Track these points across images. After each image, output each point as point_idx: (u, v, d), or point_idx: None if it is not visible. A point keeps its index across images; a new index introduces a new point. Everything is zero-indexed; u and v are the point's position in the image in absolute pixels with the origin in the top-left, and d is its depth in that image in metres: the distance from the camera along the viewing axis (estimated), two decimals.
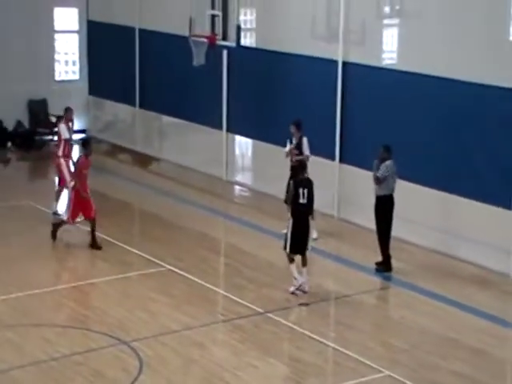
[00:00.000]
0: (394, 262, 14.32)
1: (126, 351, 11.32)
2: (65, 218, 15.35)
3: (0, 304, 12.80)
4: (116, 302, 13.33)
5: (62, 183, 16.81)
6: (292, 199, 13.27)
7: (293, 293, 13.18)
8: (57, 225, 15.36)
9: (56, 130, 21.98)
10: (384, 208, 14.12)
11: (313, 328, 12.13)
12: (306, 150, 15.74)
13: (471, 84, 14.40)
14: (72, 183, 15.09)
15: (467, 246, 14.71)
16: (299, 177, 13.55)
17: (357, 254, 14.84)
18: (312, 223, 13.95)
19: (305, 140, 15.79)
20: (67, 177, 16.44)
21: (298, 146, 15.65)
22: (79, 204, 14.95)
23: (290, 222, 13.25)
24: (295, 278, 13.19)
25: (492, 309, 12.91)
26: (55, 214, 16.84)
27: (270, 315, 12.60)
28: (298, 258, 13.35)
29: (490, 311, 12.83)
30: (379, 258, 14.31)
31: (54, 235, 15.29)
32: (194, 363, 11.19)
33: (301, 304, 12.97)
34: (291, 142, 15.69)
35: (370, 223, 14.59)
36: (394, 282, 14.09)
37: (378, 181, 13.97)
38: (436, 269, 14.53)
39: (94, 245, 15.00)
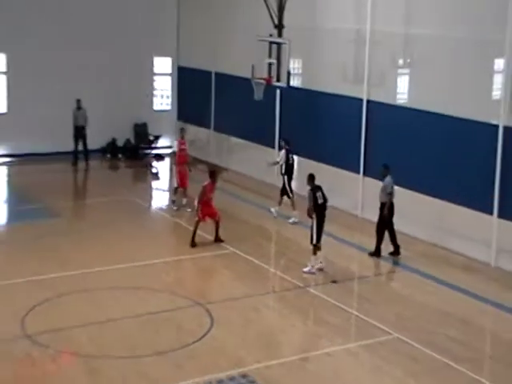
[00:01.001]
0: (402, 251, 14.13)
1: (201, 311, 11.37)
2: (196, 217, 14.49)
3: (113, 272, 12.89)
4: (195, 274, 13.42)
5: (180, 185, 17.01)
6: (313, 203, 13.04)
7: (307, 272, 12.99)
8: (195, 228, 14.40)
9: (153, 145, 22.50)
10: (391, 212, 13.95)
11: (340, 300, 12.02)
12: (277, 158, 16.87)
13: (462, 119, 14.21)
14: (195, 202, 14.51)
15: (457, 240, 14.42)
16: (312, 185, 13.28)
17: (374, 245, 14.62)
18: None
19: (281, 152, 16.68)
20: (177, 179, 16.98)
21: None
22: (205, 209, 14.36)
23: (314, 220, 13.00)
24: (313, 265, 13.03)
25: (477, 289, 12.64)
26: (173, 201, 16.99)
27: (308, 289, 12.54)
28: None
29: (475, 291, 12.57)
30: (391, 248, 14.13)
31: (193, 239, 14.36)
32: (252, 322, 11.22)
33: (332, 281, 12.82)
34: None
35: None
36: (402, 267, 13.88)
37: (391, 195, 13.91)
38: (433, 257, 14.27)
39: (218, 238, 14.54)
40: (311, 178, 13.38)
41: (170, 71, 23.49)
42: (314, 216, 13.07)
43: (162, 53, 23.11)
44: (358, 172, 16.73)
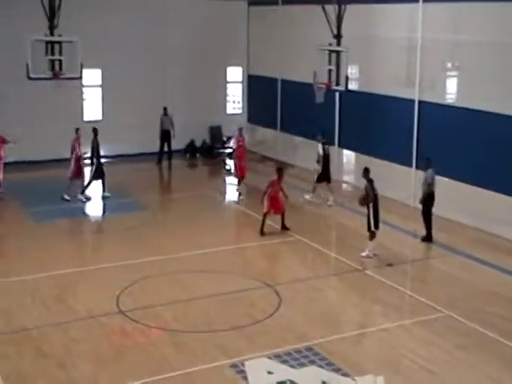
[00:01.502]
0: (452, 237, 13.79)
1: (270, 291, 11.41)
2: (264, 209, 14.33)
3: (193, 257, 12.98)
4: (265, 258, 13.37)
5: (240, 175, 17.46)
6: (371, 193, 12.82)
7: (365, 256, 12.81)
8: (263, 219, 14.24)
9: (227, 145, 22.67)
10: (431, 200, 13.74)
11: (395, 281, 11.88)
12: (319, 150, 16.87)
13: (505, 116, 13.91)
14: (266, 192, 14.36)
15: (503, 226, 13.99)
16: (369, 177, 13.03)
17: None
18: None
19: (319, 144, 16.85)
20: (237, 171, 17.50)
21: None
22: (272, 203, 14.29)
23: (371, 209, 12.78)
24: (370, 250, 12.88)
25: None
26: (240, 194, 17.39)
27: (366, 271, 12.44)
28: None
29: None
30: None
31: (262, 229, 14.17)
32: (315, 301, 11.20)
33: (388, 264, 12.69)
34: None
35: (437, 211, 14.18)
36: (452, 251, 13.55)
37: (431, 186, 13.74)
38: (481, 242, 13.91)
39: (284, 227, 14.39)
40: (367, 171, 13.22)
41: (240, 79, 23.60)
42: (370, 205, 12.88)
43: (234, 63, 23.21)
44: (411, 166, 16.45)
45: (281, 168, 14.90)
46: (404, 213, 15.72)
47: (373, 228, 12.93)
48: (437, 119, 15.81)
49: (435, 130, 15.83)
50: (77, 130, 16.78)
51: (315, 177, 16.86)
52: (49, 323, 10.16)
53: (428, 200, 13.77)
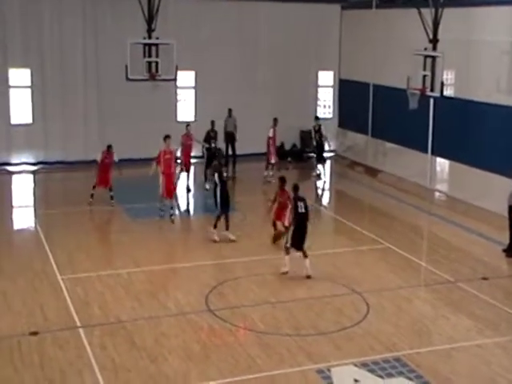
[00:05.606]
0: None
1: (358, 298, 11.28)
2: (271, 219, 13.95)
3: (279, 260, 12.57)
4: (352, 264, 13.13)
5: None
6: (294, 210, 12.05)
7: (285, 273, 12.00)
8: (274, 229, 13.76)
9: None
10: None
11: (491, 295, 11.43)
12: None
13: None
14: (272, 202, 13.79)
15: None
16: (295, 194, 12.27)
17: None
18: None
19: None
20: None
21: None
22: (280, 214, 13.52)
23: (293, 227, 12.01)
24: (285, 265, 12.07)
25: None
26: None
27: (459, 284, 12.02)
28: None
29: None
30: None
31: (274, 238, 13.62)
32: (404, 311, 10.93)
33: (483, 278, 12.23)
34: None
35: None
36: None
37: None
38: None
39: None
40: (296, 188, 12.35)
41: (331, 83, 23.49)
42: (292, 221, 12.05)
43: (326, 67, 23.12)
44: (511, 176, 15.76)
45: (282, 177, 13.71)
46: (501, 224, 15.01)
47: (288, 243, 12.08)
48: None
49: None
50: (187, 125, 17.95)
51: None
52: (141, 317, 10.48)
53: None
